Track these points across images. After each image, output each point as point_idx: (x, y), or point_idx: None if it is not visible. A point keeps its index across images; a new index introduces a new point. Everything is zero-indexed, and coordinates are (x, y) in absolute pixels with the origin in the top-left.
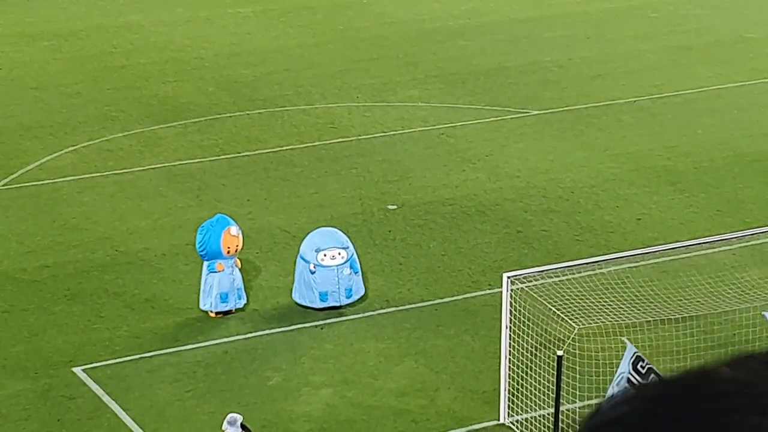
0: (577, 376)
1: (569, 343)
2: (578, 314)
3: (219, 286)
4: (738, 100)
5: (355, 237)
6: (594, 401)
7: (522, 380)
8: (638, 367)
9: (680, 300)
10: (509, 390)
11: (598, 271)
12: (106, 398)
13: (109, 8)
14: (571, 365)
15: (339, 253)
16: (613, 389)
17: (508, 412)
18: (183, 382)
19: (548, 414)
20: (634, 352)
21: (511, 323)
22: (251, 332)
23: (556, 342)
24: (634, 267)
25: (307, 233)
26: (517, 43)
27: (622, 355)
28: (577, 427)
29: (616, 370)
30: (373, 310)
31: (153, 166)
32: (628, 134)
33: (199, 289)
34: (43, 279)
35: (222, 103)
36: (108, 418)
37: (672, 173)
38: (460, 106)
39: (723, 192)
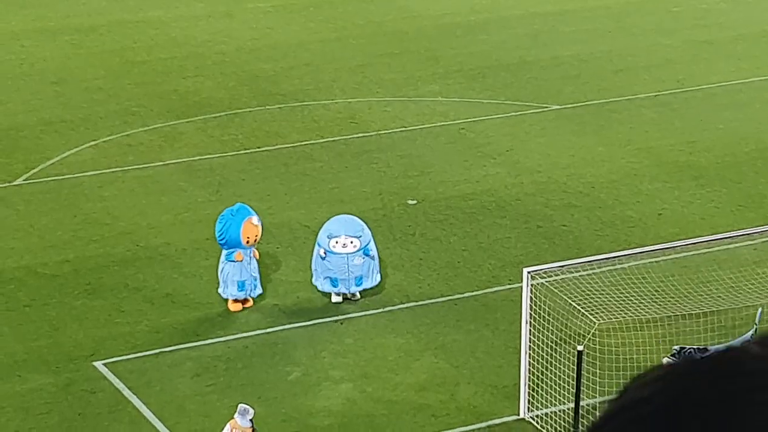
0: (598, 371)
1: (589, 338)
2: (598, 309)
3: (236, 274)
4: (760, 95)
5: (375, 232)
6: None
7: (542, 375)
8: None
9: (701, 295)
10: (529, 385)
11: (618, 266)
12: (126, 392)
13: (130, 3)
14: (591, 360)
15: (351, 242)
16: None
17: (528, 407)
18: (203, 376)
19: (568, 409)
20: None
21: (531, 318)
22: (271, 327)
23: (577, 337)
24: (655, 262)
25: None
26: (537, 38)
27: (642, 350)
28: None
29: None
30: (393, 305)
31: (173, 161)
32: (649, 129)
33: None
34: (63, 273)
35: (242, 97)
36: (128, 413)
37: (693, 168)
38: (480, 101)
39: (745, 187)
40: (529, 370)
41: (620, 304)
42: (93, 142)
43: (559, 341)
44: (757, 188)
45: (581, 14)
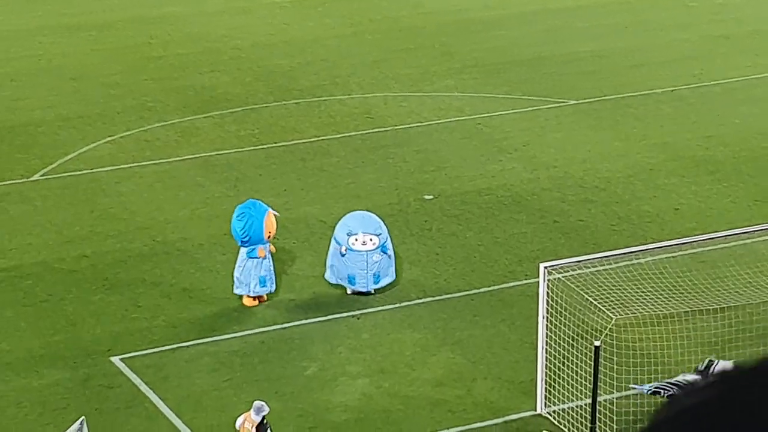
0: (615, 366)
1: (606, 334)
2: (615, 304)
3: (258, 270)
4: None
5: (392, 227)
6: (632, 392)
7: (559, 370)
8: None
9: (718, 290)
10: (546, 380)
11: (635, 261)
12: (143, 387)
13: (147, 0)
14: (608, 356)
15: (371, 239)
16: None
17: (545, 403)
18: (220, 371)
19: (585, 404)
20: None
21: (547, 313)
22: (288, 322)
23: (593, 332)
24: (672, 257)
25: None
26: (554, 33)
27: (660, 345)
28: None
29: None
30: (410, 300)
31: (190, 156)
32: (665, 124)
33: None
34: (81, 269)
35: (259, 93)
36: (146, 407)
37: (710, 163)
38: (496, 96)
39: (761, 181)
40: (546, 365)
41: (637, 299)
42: (110, 138)
43: (576, 336)
44: None
45: (597, 10)
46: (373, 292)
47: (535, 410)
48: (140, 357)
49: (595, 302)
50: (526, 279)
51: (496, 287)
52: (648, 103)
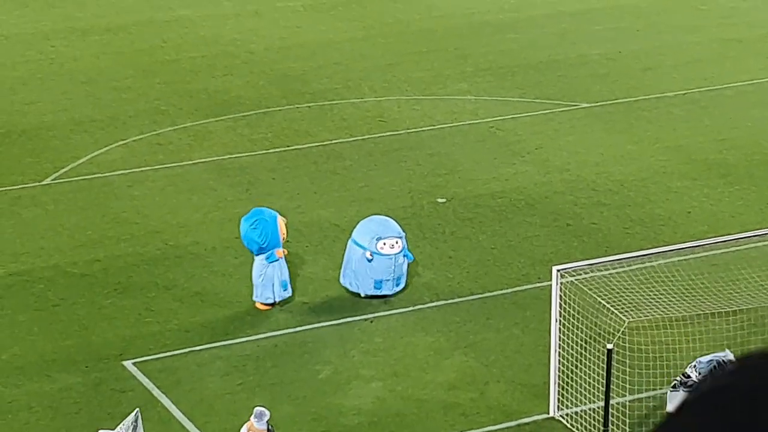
0: (627, 369)
1: (619, 337)
2: (628, 307)
3: (279, 274)
4: None
5: (405, 230)
6: (644, 395)
7: (572, 374)
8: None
9: (730, 293)
10: (559, 383)
11: (648, 264)
12: (156, 392)
13: (159, 3)
14: (621, 359)
15: (397, 242)
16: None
17: (558, 406)
18: (233, 375)
19: (598, 408)
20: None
21: (560, 316)
22: (300, 325)
23: (606, 335)
24: (684, 260)
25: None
26: (566, 36)
27: (672, 348)
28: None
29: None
30: (423, 304)
31: (203, 160)
32: (678, 127)
33: (251, 283)
34: (93, 273)
35: (272, 96)
36: (158, 412)
37: (722, 166)
38: (509, 99)
39: None
40: (559, 368)
41: (650, 302)
42: (122, 142)
43: (588, 339)
44: None
45: (610, 13)
46: (392, 295)
47: (548, 413)
48: (152, 361)
49: (607, 305)
50: (539, 282)
51: (509, 290)
52: (660, 106)
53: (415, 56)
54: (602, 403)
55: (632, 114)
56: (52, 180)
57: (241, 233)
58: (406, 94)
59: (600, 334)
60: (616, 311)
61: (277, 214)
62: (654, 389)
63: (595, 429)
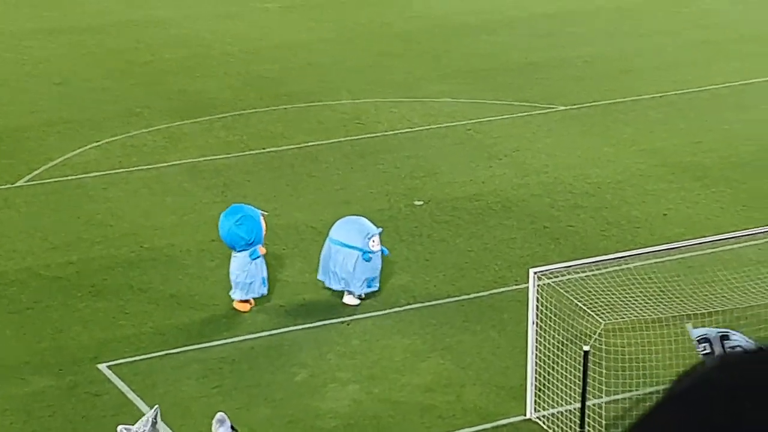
0: (604, 371)
1: (596, 339)
2: (604, 309)
3: (261, 271)
4: (765, 95)
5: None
6: (621, 396)
7: (548, 375)
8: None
9: (706, 295)
10: (536, 385)
11: (624, 267)
12: (131, 395)
13: (134, 3)
14: (597, 360)
15: (379, 238)
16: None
17: (535, 408)
18: (209, 378)
19: (575, 409)
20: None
21: (537, 319)
22: (277, 328)
23: (583, 337)
24: (660, 262)
25: None
26: (543, 39)
27: (648, 349)
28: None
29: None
30: (399, 306)
31: (178, 162)
32: (655, 129)
33: (229, 284)
34: (67, 275)
35: (247, 98)
36: (133, 415)
37: (698, 168)
38: (486, 101)
39: (749, 187)
40: (536, 370)
41: (626, 304)
42: (96, 143)
43: (565, 341)
44: (761, 188)
45: (586, 15)
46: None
47: (525, 415)
48: (127, 364)
49: (584, 307)
50: (516, 284)
51: (486, 293)
52: (637, 109)
53: (392, 58)
54: (579, 405)
55: (609, 116)
56: (25, 182)
57: (223, 230)
58: (383, 96)
59: (577, 336)
60: (592, 313)
61: (259, 211)
62: (630, 390)
63: (571, 430)
